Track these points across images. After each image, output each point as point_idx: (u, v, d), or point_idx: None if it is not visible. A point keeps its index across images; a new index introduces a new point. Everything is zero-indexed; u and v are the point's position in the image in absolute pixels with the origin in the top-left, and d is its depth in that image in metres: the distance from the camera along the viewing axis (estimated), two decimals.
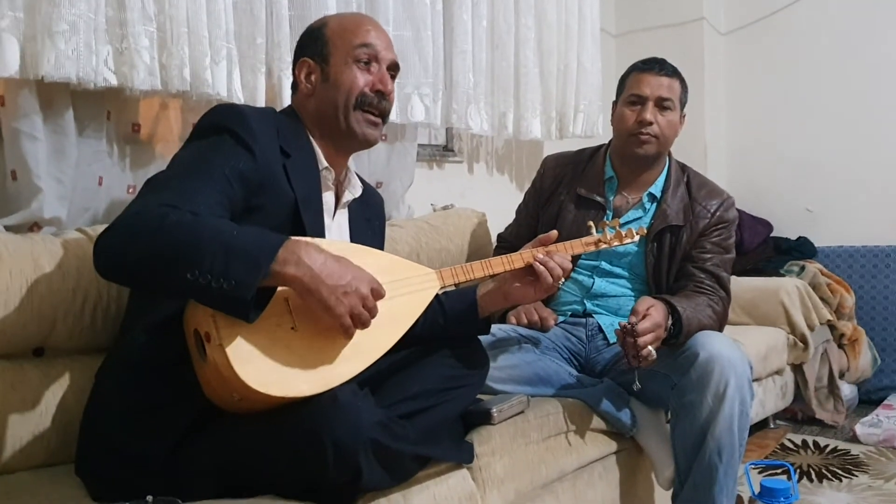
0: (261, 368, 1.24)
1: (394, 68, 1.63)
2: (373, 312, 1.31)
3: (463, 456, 1.59)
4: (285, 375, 1.26)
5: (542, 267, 1.64)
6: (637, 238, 1.86)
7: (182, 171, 1.37)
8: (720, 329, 2.01)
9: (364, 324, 1.30)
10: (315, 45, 1.59)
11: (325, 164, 1.57)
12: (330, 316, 1.27)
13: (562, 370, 2.03)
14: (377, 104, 1.58)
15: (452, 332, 1.69)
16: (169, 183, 1.34)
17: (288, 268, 1.22)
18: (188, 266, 1.17)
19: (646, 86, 2.12)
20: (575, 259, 1.81)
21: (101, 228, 1.58)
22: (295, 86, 1.63)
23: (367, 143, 1.62)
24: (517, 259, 1.67)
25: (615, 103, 2.22)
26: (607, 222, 1.82)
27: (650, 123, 2.10)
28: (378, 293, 1.33)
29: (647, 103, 2.11)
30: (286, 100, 2.13)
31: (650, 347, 1.74)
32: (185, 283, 1.18)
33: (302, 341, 1.31)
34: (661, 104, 2.12)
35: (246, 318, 1.21)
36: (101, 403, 1.39)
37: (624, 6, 4.07)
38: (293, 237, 1.27)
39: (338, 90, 1.56)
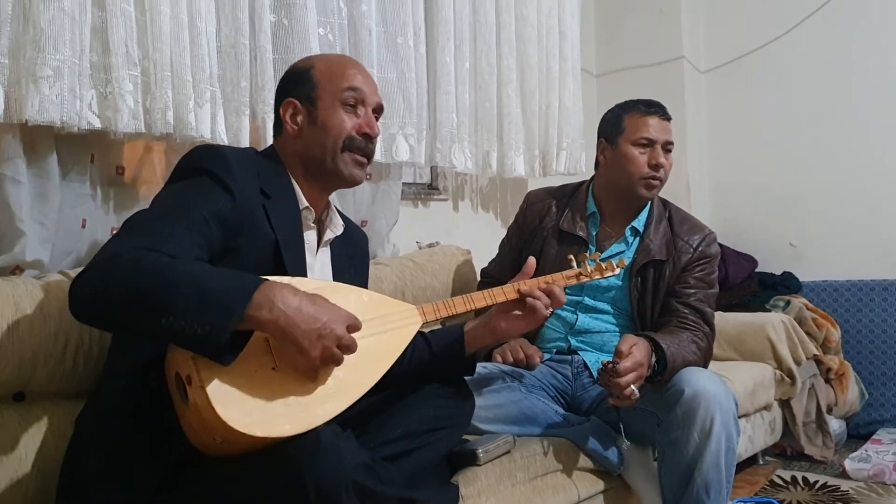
0: (242, 409, 1.23)
1: (379, 111, 1.65)
2: (350, 349, 1.31)
3: (448, 498, 1.57)
4: (267, 416, 1.25)
5: (534, 300, 1.65)
6: (618, 271, 1.87)
7: (160, 212, 1.38)
8: (705, 365, 2.02)
9: (337, 362, 1.30)
10: (302, 86, 1.59)
11: (306, 203, 1.57)
12: (305, 359, 1.27)
13: (548, 409, 2.02)
14: (364, 147, 1.59)
15: (439, 371, 1.69)
16: (146, 225, 1.34)
17: (262, 312, 1.22)
18: (162, 310, 1.17)
19: (654, 129, 2.14)
20: None
21: None
22: (278, 125, 1.63)
23: (354, 183, 1.63)
24: (499, 293, 1.67)
25: (608, 142, 2.21)
26: (588, 255, 1.83)
27: (662, 166, 2.13)
28: (354, 327, 1.32)
29: (657, 146, 2.14)
30: (270, 142, 2.14)
31: (633, 387, 1.74)
32: (159, 327, 1.18)
33: (283, 381, 1.30)
34: (666, 147, 2.16)
35: (221, 362, 1.21)
36: (80, 450, 1.38)
37: (604, 47, 4.13)
38: (269, 279, 1.27)
39: (326, 133, 1.56)
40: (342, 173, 1.58)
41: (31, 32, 1.63)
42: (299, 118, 1.58)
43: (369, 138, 1.59)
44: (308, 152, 1.58)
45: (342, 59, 1.69)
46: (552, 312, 1.71)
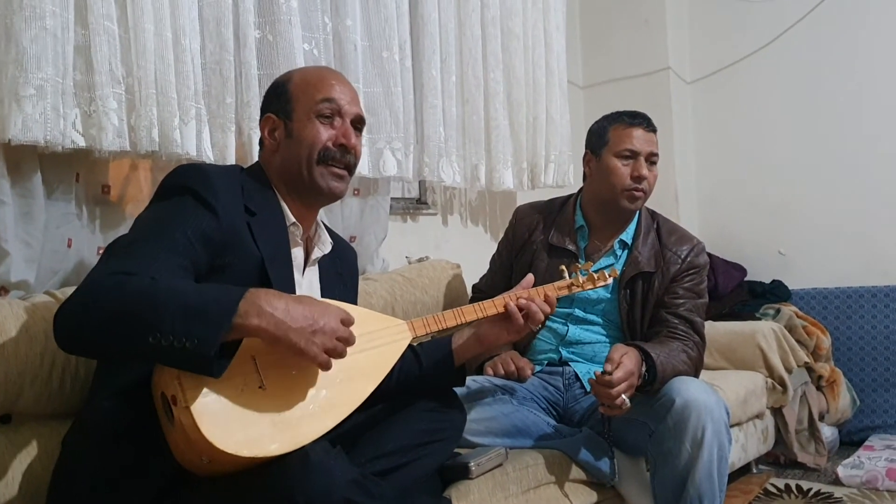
0: (229, 429, 1.22)
1: (359, 122, 1.62)
2: (348, 341, 1.30)
3: None
4: (254, 435, 1.24)
5: (514, 309, 1.65)
6: (609, 280, 1.87)
7: (143, 234, 1.37)
8: (696, 374, 2.01)
9: (341, 354, 1.29)
10: (279, 100, 1.59)
11: (293, 219, 1.56)
12: (304, 359, 1.26)
13: (540, 420, 2.02)
14: (341, 158, 1.57)
15: (428, 383, 1.68)
16: (129, 248, 1.33)
17: (251, 319, 1.21)
18: (148, 329, 1.16)
19: (637, 141, 2.14)
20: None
21: (70, 291, 1.56)
22: (262, 142, 1.63)
23: (334, 196, 1.61)
24: (489, 306, 1.67)
25: (594, 154, 2.21)
26: (579, 265, 1.83)
27: (645, 179, 2.13)
28: (348, 321, 1.32)
29: (640, 158, 2.14)
30: (257, 158, 2.13)
31: (624, 396, 1.74)
32: (147, 346, 1.17)
33: (271, 400, 1.29)
34: (650, 159, 2.16)
35: (211, 374, 1.20)
36: (68, 472, 1.36)
37: (591, 59, 4.15)
38: (253, 288, 1.26)
39: (300, 146, 1.55)
40: (319, 186, 1.56)
41: (14, 51, 1.62)
42: (277, 133, 1.58)
43: (346, 149, 1.57)
44: (286, 166, 1.57)
45: (319, 71, 1.67)
46: (543, 324, 1.70)
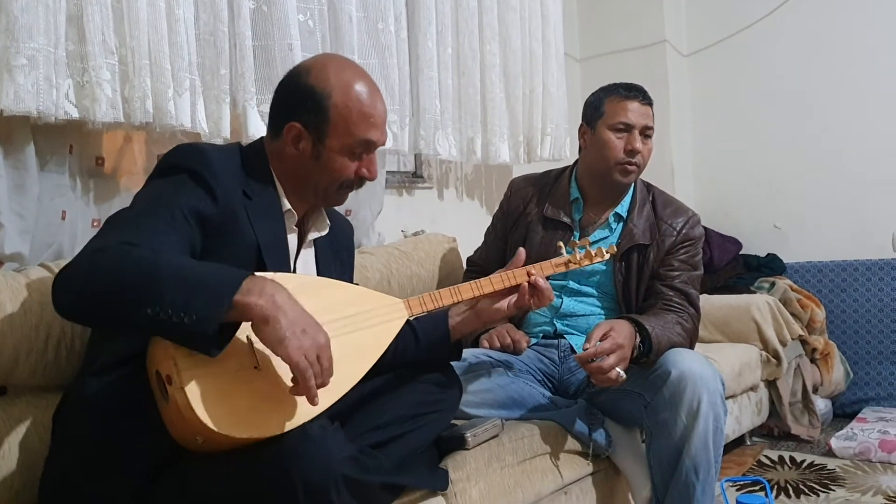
0: (223, 410, 1.21)
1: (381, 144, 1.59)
2: (325, 368, 1.24)
3: (437, 483, 1.58)
4: (248, 416, 1.24)
5: (526, 288, 1.66)
6: (607, 256, 1.87)
7: (142, 209, 1.36)
8: (691, 346, 2.02)
9: (324, 370, 1.23)
10: (313, 114, 1.49)
11: (288, 206, 1.54)
12: (283, 350, 1.20)
13: (535, 392, 2.02)
14: (357, 186, 1.57)
15: (425, 358, 1.68)
16: (129, 222, 1.32)
17: (251, 297, 1.19)
18: (148, 301, 1.16)
19: (632, 114, 2.12)
20: None
21: (64, 263, 1.55)
22: (275, 132, 1.54)
23: (335, 206, 1.63)
24: (486, 284, 1.66)
25: (588, 126, 2.20)
26: (577, 242, 1.82)
27: (639, 153, 2.12)
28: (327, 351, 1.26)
29: (634, 132, 2.12)
30: (251, 130, 2.12)
31: (618, 369, 1.74)
32: (145, 318, 1.16)
33: (265, 381, 1.28)
34: (645, 132, 2.14)
35: (208, 353, 1.19)
36: (62, 447, 1.36)
37: (587, 31, 4.12)
38: (259, 273, 1.25)
39: (325, 174, 1.52)
40: (328, 202, 1.58)
41: (4, 21, 1.60)
42: (301, 145, 1.51)
43: (365, 180, 1.57)
44: (302, 178, 1.54)
45: (360, 97, 1.51)
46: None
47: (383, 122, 1.56)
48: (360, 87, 1.51)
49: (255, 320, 1.21)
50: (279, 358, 1.24)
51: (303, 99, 1.50)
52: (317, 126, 1.49)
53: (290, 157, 1.52)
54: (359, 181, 1.56)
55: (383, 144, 1.58)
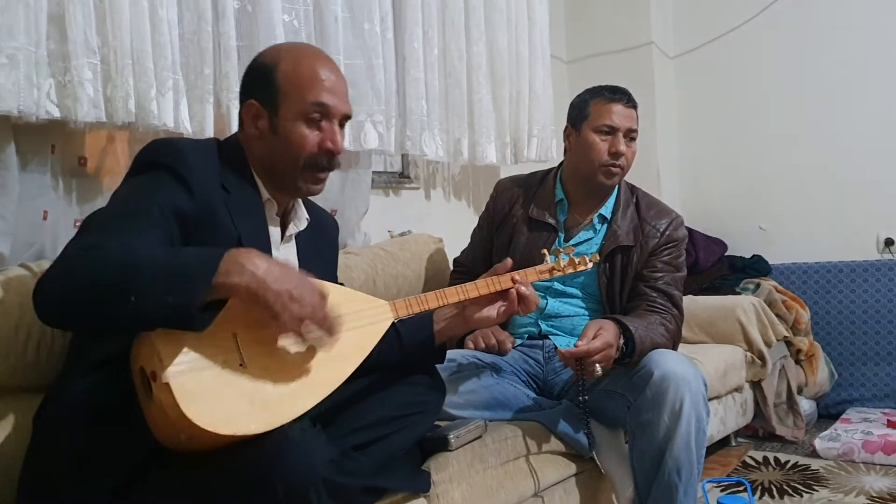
0: (208, 407, 1.21)
1: (346, 118, 1.57)
2: (326, 321, 1.29)
3: (419, 485, 1.57)
4: (233, 413, 1.23)
5: (514, 296, 1.66)
6: (590, 265, 1.87)
7: (118, 209, 1.35)
8: (674, 347, 2.03)
9: (331, 330, 1.30)
10: (264, 88, 1.50)
11: (267, 195, 1.54)
12: (277, 323, 1.24)
13: (520, 393, 2.03)
14: (326, 165, 1.53)
15: (408, 360, 1.68)
16: (105, 223, 1.32)
17: (231, 278, 1.20)
18: (129, 291, 1.16)
19: (617, 117, 2.13)
20: None
21: (46, 264, 1.54)
22: (241, 121, 1.56)
23: (311, 195, 1.60)
24: (472, 289, 1.66)
25: (573, 128, 2.20)
26: (561, 249, 1.83)
27: (622, 155, 2.12)
28: (325, 297, 1.30)
29: (618, 134, 2.13)
30: (235, 129, 2.10)
31: (597, 366, 1.76)
32: (128, 307, 1.16)
33: (251, 378, 1.28)
34: (629, 135, 2.15)
35: (193, 328, 1.20)
36: (42, 448, 1.35)
37: (574, 33, 4.13)
38: (234, 248, 1.25)
39: (285, 147, 1.50)
40: (300, 189, 1.54)
41: None
42: (260, 123, 1.51)
43: (332, 154, 1.53)
44: (268, 159, 1.52)
45: (310, 63, 1.52)
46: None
47: (339, 89, 1.53)
48: (309, 56, 1.53)
49: (242, 300, 1.23)
50: (266, 354, 1.26)
51: (255, 77, 1.53)
52: (269, 98, 1.49)
53: (255, 140, 1.52)
54: (326, 157, 1.52)
55: (345, 114, 1.55)
